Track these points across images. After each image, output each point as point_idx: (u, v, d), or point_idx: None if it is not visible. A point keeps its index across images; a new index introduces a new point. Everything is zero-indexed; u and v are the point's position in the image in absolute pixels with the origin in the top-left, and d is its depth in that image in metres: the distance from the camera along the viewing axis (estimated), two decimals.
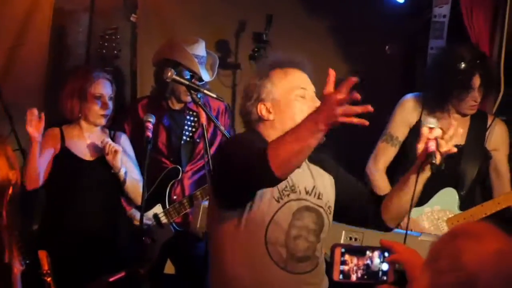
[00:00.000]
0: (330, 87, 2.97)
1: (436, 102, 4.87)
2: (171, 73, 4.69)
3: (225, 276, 3.40)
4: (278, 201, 3.37)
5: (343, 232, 4.00)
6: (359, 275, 2.41)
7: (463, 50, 4.88)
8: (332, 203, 3.57)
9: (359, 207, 3.62)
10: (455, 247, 1.89)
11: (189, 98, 5.23)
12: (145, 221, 5.02)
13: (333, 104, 2.90)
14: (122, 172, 5.10)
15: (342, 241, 3.95)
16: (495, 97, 5.20)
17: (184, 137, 5.41)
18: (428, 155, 3.28)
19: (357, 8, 6.33)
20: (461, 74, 4.76)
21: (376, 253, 2.42)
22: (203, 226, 4.26)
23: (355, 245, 2.37)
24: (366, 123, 2.94)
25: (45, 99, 5.88)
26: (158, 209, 5.27)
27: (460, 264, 1.85)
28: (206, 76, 5.32)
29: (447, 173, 4.76)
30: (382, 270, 2.42)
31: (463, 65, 4.77)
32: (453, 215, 4.85)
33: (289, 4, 6.46)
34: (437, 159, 3.27)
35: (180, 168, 5.31)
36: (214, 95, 4.69)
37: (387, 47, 6.34)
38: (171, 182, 5.31)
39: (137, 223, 5.19)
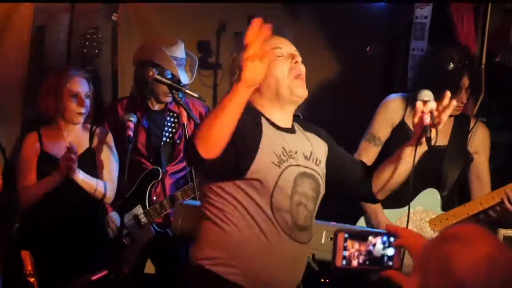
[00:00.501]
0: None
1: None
2: (152, 73, 4.69)
3: (228, 239, 3.34)
4: (279, 166, 3.35)
5: (324, 232, 3.99)
6: (361, 261, 2.36)
7: (452, 50, 4.87)
8: (325, 167, 3.58)
9: (351, 178, 3.64)
10: (444, 251, 1.88)
11: (168, 99, 5.24)
12: (125, 222, 5.02)
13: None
14: (100, 188, 5.06)
15: (323, 241, 3.94)
16: (476, 99, 5.20)
17: (164, 138, 5.38)
18: (424, 129, 3.31)
19: (339, 9, 6.34)
20: (450, 75, 4.76)
21: (380, 239, 2.36)
22: (184, 227, 4.25)
23: (358, 230, 2.31)
24: None
25: (25, 98, 5.85)
26: (138, 210, 5.25)
27: (449, 268, 1.84)
28: (184, 78, 5.30)
29: (429, 174, 4.79)
30: (387, 256, 2.36)
31: (452, 66, 4.77)
32: (435, 215, 4.86)
33: (270, 5, 6.45)
34: (432, 133, 3.30)
35: (160, 169, 5.29)
36: (196, 95, 4.67)
37: (368, 48, 6.34)
38: (151, 183, 5.29)
39: (112, 224, 5.18)
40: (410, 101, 4.92)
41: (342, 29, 6.39)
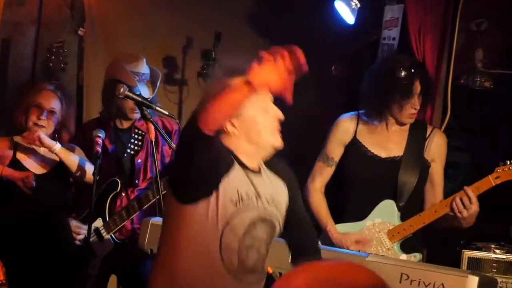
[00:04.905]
0: None
1: (376, 110, 4.90)
2: (123, 89, 4.71)
3: (176, 275, 3.38)
4: (235, 205, 3.36)
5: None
6: None
7: (403, 57, 4.92)
8: (284, 211, 3.60)
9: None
10: None
11: (135, 116, 5.24)
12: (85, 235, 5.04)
13: None
14: (77, 162, 5.06)
15: (290, 260, 3.93)
16: (427, 104, 5.14)
17: (125, 154, 5.39)
18: None
19: (305, 28, 6.36)
20: (402, 81, 4.79)
21: None
22: (151, 244, 4.24)
23: None
24: None
25: None
26: (98, 223, 5.25)
27: None
28: (145, 93, 5.30)
29: (385, 185, 4.83)
30: None
31: (403, 72, 4.81)
32: (393, 227, 4.87)
33: (238, 22, 6.48)
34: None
35: (119, 181, 5.29)
36: (166, 112, 4.69)
37: (333, 67, 6.37)
38: (110, 195, 5.28)
39: (75, 228, 5.16)
40: (361, 118, 4.96)
41: (307, 47, 6.36)
